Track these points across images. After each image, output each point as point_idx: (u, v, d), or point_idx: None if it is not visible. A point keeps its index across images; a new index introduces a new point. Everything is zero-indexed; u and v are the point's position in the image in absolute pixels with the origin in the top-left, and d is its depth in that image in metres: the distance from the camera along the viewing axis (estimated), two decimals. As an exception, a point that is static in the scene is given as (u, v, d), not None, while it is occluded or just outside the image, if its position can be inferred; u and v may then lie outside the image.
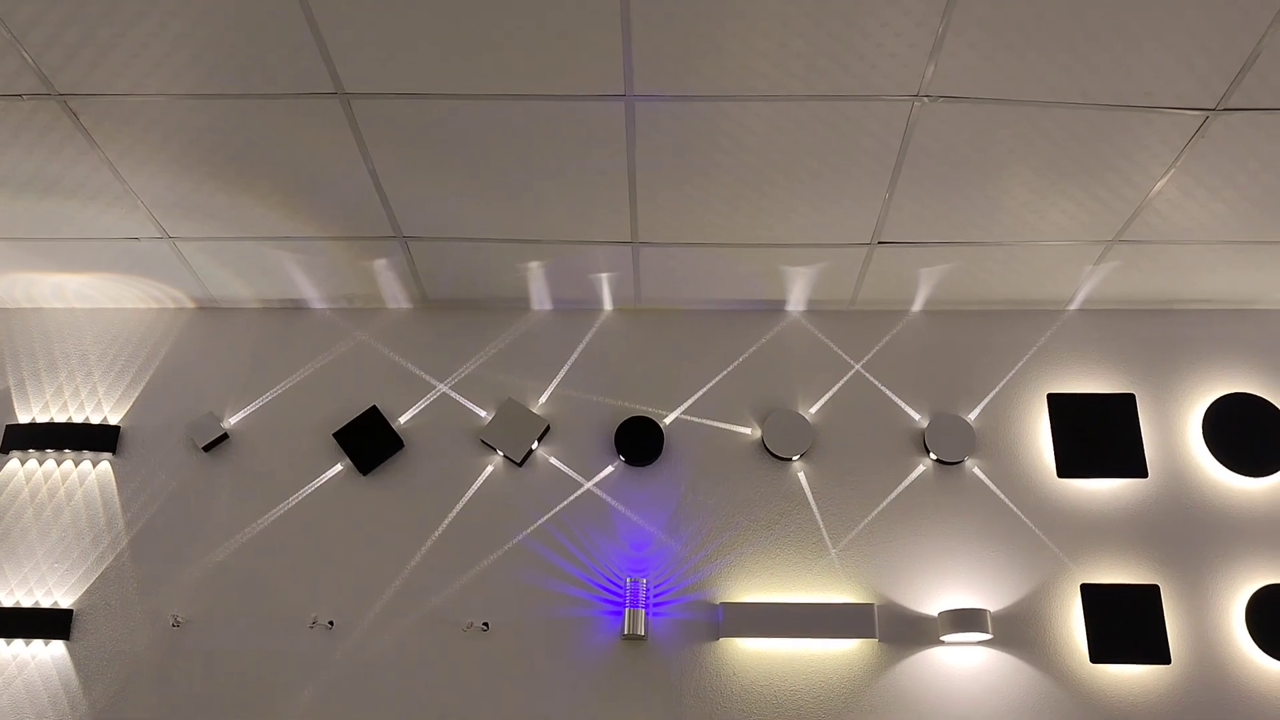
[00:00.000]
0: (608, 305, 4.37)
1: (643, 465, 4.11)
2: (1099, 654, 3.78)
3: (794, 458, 4.08)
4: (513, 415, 4.14)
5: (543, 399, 4.22)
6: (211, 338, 4.37)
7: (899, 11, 2.81)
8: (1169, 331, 4.26)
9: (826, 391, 4.21)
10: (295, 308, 4.41)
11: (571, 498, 4.08)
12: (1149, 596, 3.84)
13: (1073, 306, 4.31)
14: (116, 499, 4.10)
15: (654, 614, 3.90)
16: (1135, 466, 4.03)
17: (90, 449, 4.16)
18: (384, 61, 3.05)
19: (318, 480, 4.11)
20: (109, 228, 3.87)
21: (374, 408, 4.16)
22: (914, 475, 4.08)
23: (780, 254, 3.97)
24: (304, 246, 3.98)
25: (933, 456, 4.06)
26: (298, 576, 3.97)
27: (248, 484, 4.12)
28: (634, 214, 3.72)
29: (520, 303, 4.36)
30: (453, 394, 4.24)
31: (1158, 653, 3.77)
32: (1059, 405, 4.14)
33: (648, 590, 3.89)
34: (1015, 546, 3.96)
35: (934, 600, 3.88)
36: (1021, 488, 4.05)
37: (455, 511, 4.05)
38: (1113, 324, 4.28)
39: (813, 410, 4.18)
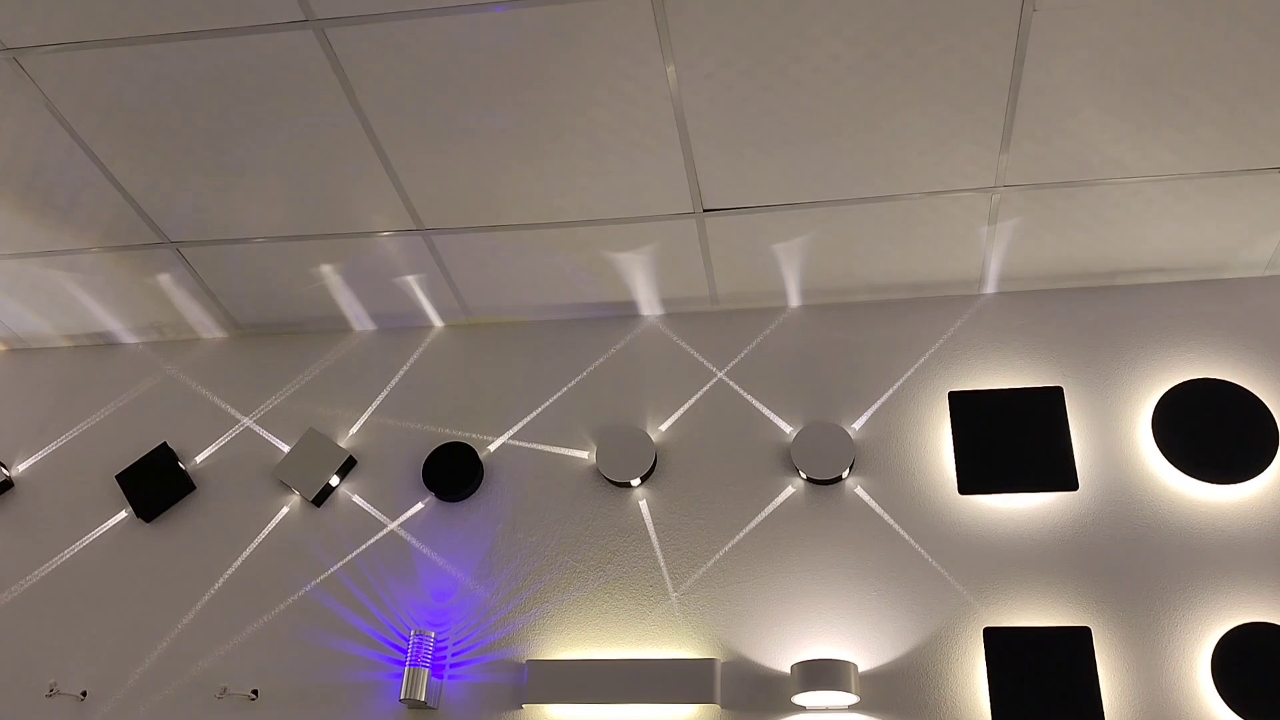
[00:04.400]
0: (436, 321, 3.77)
1: (456, 500, 3.44)
2: (1008, 720, 2.83)
3: (634, 483, 3.34)
4: (312, 448, 3.54)
5: (354, 429, 3.62)
6: (14, 381, 3.94)
7: None
8: (1112, 310, 3.36)
9: (681, 405, 3.47)
10: (105, 343, 3.96)
11: (371, 541, 3.42)
12: (1077, 642, 2.88)
13: (988, 289, 3.48)
14: (-116, 557, 3.66)
15: (450, 675, 3.16)
16: (1062, 477, 3.11)
17: None
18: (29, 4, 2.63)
19: (96, 530, 3.58)
20: None
21: (164, 445, 3.63)
22: (780, 499, 3.26)
23: (596, 235, 3.31)
24: (74, 263, 3.54)
25: (803, 475, 3.25)
26: (57, 641, 3.41)
27: (25, 537, 3.61)
28: (398, 186, 3.15)
29: (338, 323, 3.80)
30: (256, 428, 3.68)
31: (1088, 717, 2.79)
32: (963, 405, 3.27)
33: (437, 646, 3.17)
34: (903, 583, 3.07)
35: (791, 655, 3.02)
36: (915, 509, 3.17)
37: (238, 562, 3.44)
38: (1041, 307, 3.42)
39: (662, 428, 3.43)
